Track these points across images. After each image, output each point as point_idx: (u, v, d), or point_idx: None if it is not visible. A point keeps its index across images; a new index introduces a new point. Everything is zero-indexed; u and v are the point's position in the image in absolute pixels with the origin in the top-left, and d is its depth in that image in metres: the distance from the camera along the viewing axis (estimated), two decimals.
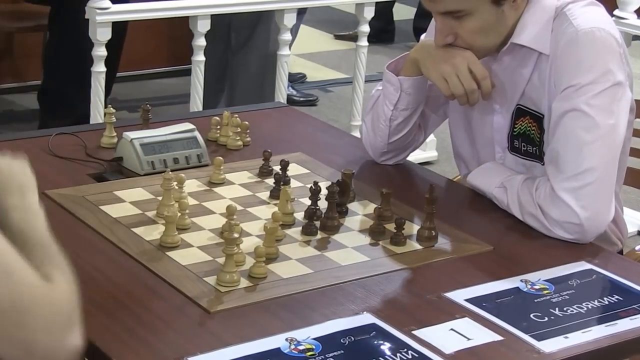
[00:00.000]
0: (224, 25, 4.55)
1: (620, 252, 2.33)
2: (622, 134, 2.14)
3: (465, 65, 2.17)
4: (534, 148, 2.25)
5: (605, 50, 2.12)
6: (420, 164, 4.32)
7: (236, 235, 1.83)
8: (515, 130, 2.27)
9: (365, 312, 1.77)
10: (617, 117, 2.11)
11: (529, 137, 2.25)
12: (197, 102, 4.04)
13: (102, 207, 2.08)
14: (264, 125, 2.61)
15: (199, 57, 3.98)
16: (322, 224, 2.06)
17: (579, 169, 2.07)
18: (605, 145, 2.10)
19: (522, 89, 2.23)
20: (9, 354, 1.31)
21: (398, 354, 1.64)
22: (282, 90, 4.27)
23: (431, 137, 4.48)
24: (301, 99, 5.48)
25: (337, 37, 6.84)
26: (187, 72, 4.16)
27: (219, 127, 2.49)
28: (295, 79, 5.72)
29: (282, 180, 2.22)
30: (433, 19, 2.23)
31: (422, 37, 2.40)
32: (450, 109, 2.41)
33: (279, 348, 1.64)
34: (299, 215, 2.10)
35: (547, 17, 2.17)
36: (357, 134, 4.26)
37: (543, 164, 2.19)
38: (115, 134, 2.41)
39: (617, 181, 2.18)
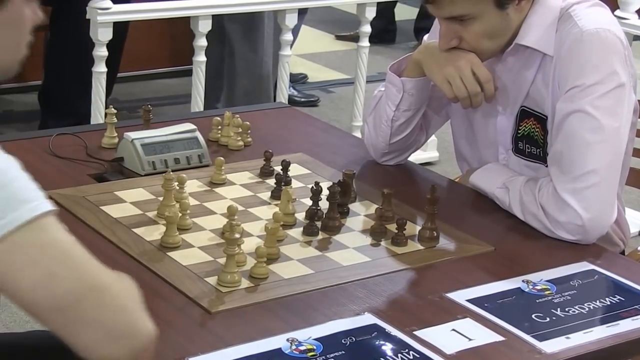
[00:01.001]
0: (219, 26, 4.54)
1: (622, 253, 2.32)
2: (626, 135, 2.14)
3: (469, 67, 2.17)
4: (538, 150, 2.24)
5: (610, 51, 2.11)
6: (422, 164, 4.31)
7: (237, 235, 1.83)
8: (519, 132, 2.26)
9: (366, 313, 1.76)
10: (621, 119, 2.11)
11: (532, 138, 2.24)
12: (198, 103, 4.03)
13: (102, 208, 2.08)
14: (265, 126, 2.61)
15: (200, 58, 3.97)
16: (324, 224, 2.06)
17: (583, 170, 2.07)
18: (609, 147, 2.09)
19: (527, 91, 2.23)
20: (85, 341, 1.29)
21: (399, 355, 1.64)
22: (284, 91, 4.27)
23: (432, 138, 4.44)
24: (302, 99, 5.47)
25: (339, 38, 6.83)
26: (188, 73, 4.16)
27: (220, 127, 2.49)
28: (297, 80, 5.71)
29: (283, 180, 2.21)
30: (436, 19, 2.23)
31: (425, 37, 2.40)
32: (453, 110, 2.40)
33: (280, 348, 1.64)
34: (300, 216, 2.10)
35: (551, 18, 2.16)
36: (358, 134, 4.26)
37: (547, 166, 2.19)
38: (116, 134, 2.41)
39: (619, 182, 2.18)
